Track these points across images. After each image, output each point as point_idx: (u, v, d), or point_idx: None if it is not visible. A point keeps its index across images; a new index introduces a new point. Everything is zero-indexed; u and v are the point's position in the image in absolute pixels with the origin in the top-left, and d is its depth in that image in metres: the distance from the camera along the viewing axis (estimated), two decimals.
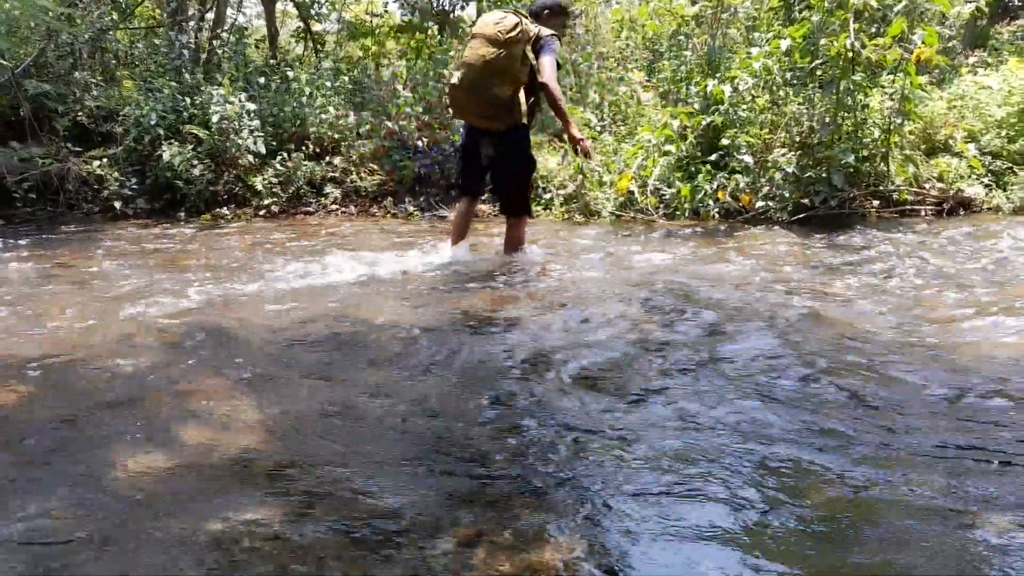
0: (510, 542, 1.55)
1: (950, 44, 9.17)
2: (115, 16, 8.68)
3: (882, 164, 5.85)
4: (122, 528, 1.63)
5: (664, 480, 1.81)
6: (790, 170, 5.72)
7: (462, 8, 11.49)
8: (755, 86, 6.18)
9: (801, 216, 5.56)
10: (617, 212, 6.09)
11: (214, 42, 8.80)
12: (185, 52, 8.21)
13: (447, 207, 6.80)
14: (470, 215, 4.51)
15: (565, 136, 4.25)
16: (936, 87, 7.20)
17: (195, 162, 6.74)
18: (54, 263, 4.60)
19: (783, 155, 5.86)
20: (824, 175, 5.66)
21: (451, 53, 7.97)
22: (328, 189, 7.04)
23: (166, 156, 6.60)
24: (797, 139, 5.91)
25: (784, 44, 5.80)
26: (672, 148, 6.21)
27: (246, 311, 3.35)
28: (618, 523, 1.64)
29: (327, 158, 7.27)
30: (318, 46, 11.02)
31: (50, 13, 6.73)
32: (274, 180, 6.95)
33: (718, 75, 6.48)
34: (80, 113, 7.20)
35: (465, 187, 4.46)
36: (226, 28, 9.33)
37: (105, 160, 6.80)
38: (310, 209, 6.95)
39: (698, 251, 4.69)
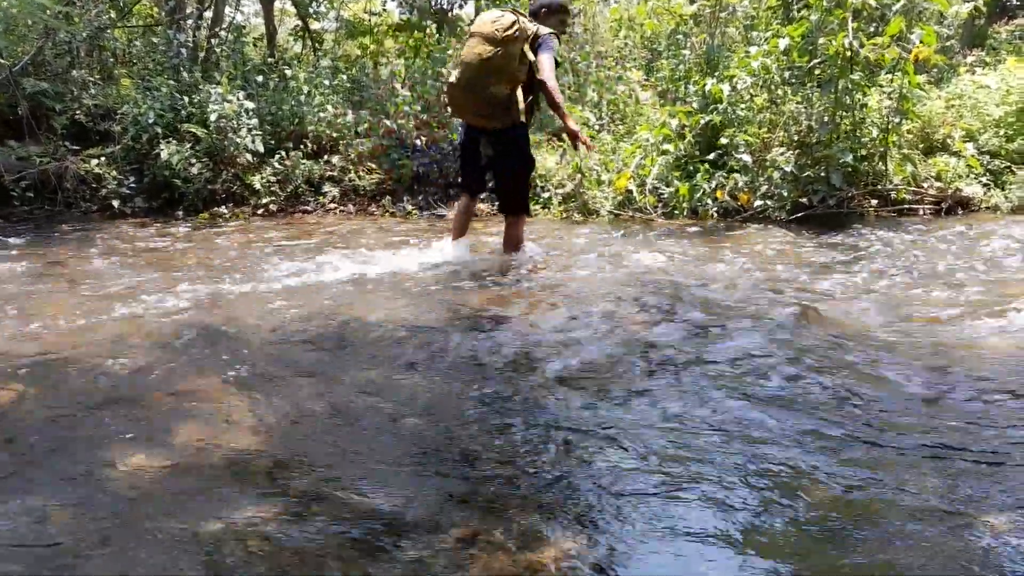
0: (507, 542, 1.56)
1: (948, 43, 9.18)
2: (113, 14, 8.67)
3: (880, 163, 5.85)
4: (121, 528, 1.63)
5: (655, 480, 1.81)
6: (788, 169, 5.72)
7: (460, 7, 11.50)
8: (753, 85, 6.18)
9: (799, 215, 5.56)
10: (615, 211, 6.09)
11: (212, 40, 8.79)
12: (183, 50, 8.20)
13: (445, 206, 6.80)
14: (470, 212, 4.56)
15: (564, 132, 4.24)
16: (934, 86, 7.20)
17: (193, 161, 6.73)
18: (51, 262, 4.60)
19: (781, 154, 5.86)
20: (822, 174, 5.67)
21: (449, 52, 7.97)
22: (326, 188, 7.04)
23: (164, 155, 6.60)
24: (795, 138, 5.91)
25: (783, 43, 5.80)
26: (670, 147, 6.21)
27: (242, 310, 3.36)
28: (613, 523, 1.64)
29: (325, 157, 7.26)
30: (316, 44, 11.01)
31: (48, 11, 6.72)
32: (272, 179, 6.94)
33: (716, 74, 6.48)
34: (78, 111, 7.19)
35: (466, 184, 4.49)
36: (224, 26, 9.32)
37: (103, 159, 6.79)
38: (308, 208, 6.95)
39: (694, 250, 4.70)
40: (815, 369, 2.50)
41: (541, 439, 2.06)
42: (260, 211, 6.79)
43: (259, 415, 2.22)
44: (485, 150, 4.20)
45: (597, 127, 7.30)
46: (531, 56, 3.95)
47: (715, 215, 5.87)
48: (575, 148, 4.43)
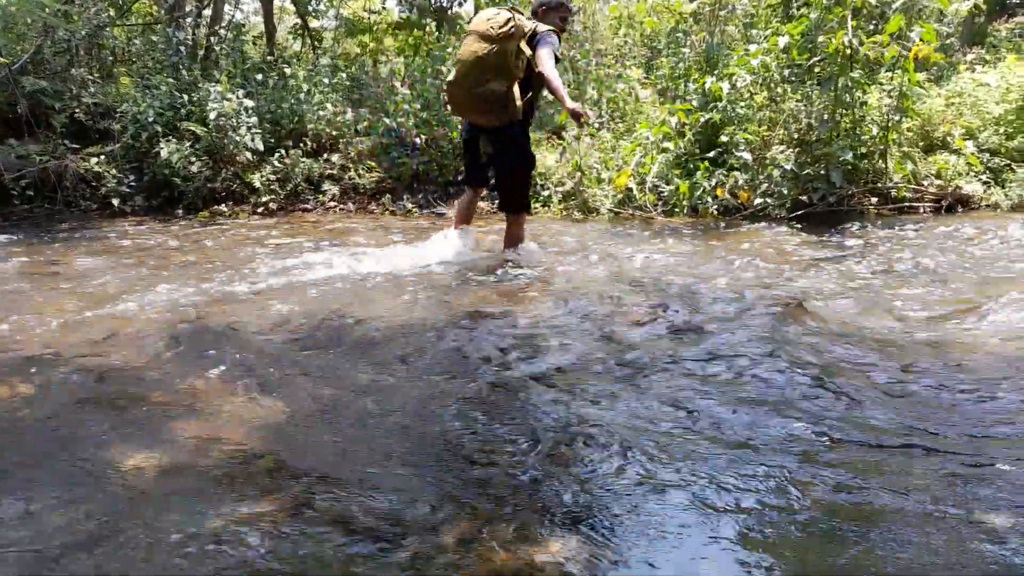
0: (506, 542, 1.55)
1: (948, 41, 9.17)
2: (112, 13, 8.66)
3: (880, 161, 5.85)
4: (120, 527, 1.63)
5: (648, 479, 1.81)
6: (788, 167, 5.72)
7: (460, 4, 11.48)
8: (753, 83, 6.18)
9: (799, 213, 5.56)
10: (615, 209, 6.09)
11: (212, 39, 8.79)
12: (182, 49, 8.19)
13: (445, 204, 6.80)
14: (473, 204, 4.69)
15: (567, 113, 3.94)
16: (934, 84, 7.20)
17: (193, 159, 6.73)
18: (50, 260, 4.60)
19: (781, 152, 5.86)
20: (822, 172, 5.66)
21: (449, 50, 7.97)
22: (326, 186, 7.04)
23: (164, 153, 6.60)
24: (795, 136, 5.91)
25: (782, 41, 5.79)
26: (670, 145, 6.20)
27: (241, 308, 3.36)
28: (611, 522, 1.64)
29: (325, 155, 7.26)
30: (316, 43, 11.00)
31: (47, 9, 6.72)
32: (272, 177, 6.94)
33: (716, 72, 6.47)
34: (77, 110, 7.20)
35: (469, 179, 4.59)
36: (224, 24, 9.32)
37: (103, 157, 6.80)
38: (308, 206, 6.94)
39: (693, 248, 4.70)
40: (798, 366, 2.49)
41: (540, 438, 2.06)
42: (260, 209, 6.79)
43: (258, 414, 2.22)
44: (484, 148, 4.22)
45: (597, 125, 7.29)
46: (528, 52, 3.97)
47: (715, 213, 5.87)
48: (579, 127, 4.41)
